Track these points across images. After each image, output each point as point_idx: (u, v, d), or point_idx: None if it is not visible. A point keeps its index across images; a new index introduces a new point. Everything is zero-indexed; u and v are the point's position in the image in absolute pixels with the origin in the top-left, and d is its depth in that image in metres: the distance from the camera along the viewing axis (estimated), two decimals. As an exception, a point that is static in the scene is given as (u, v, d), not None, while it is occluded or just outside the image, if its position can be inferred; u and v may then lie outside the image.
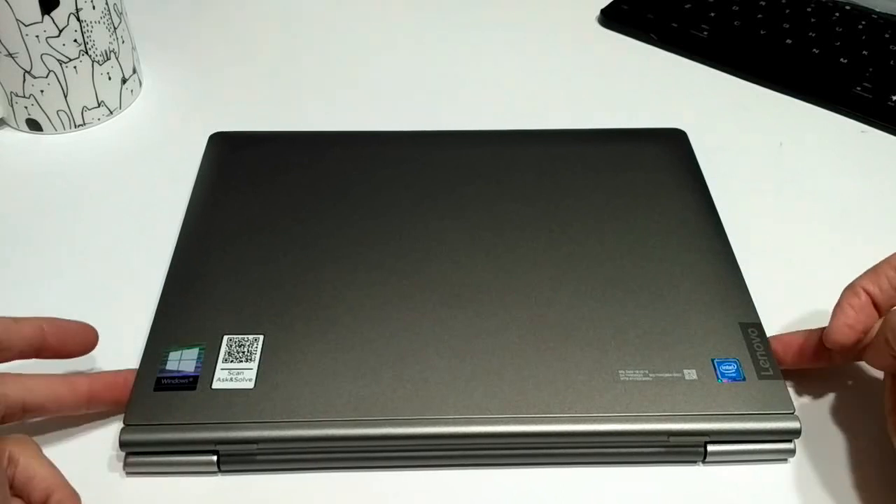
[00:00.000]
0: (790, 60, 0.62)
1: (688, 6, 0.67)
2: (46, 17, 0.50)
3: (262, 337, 0.40)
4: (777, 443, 0.38)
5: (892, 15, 0.67)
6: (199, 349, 0.39)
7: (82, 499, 0.35)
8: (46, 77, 0.53)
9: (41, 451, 0.35)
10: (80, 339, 0.38)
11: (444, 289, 0.42)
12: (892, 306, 0.38)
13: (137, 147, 0.55)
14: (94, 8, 0.52)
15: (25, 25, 0.50)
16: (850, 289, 0.38)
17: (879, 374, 0.40)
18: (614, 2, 0.68)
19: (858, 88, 0.59)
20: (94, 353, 0.40)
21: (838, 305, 0.38)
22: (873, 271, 0.38)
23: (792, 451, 0.38)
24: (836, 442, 0.39)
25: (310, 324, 0.41)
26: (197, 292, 0.42)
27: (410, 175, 0.49)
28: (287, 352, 0.39)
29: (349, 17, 0.68)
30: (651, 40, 0.65)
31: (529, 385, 0.38)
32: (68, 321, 0.38)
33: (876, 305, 0.38)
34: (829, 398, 0.41)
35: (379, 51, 0.65)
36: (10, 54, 0.51)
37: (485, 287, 0.42)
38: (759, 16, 0.66)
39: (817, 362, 0.40)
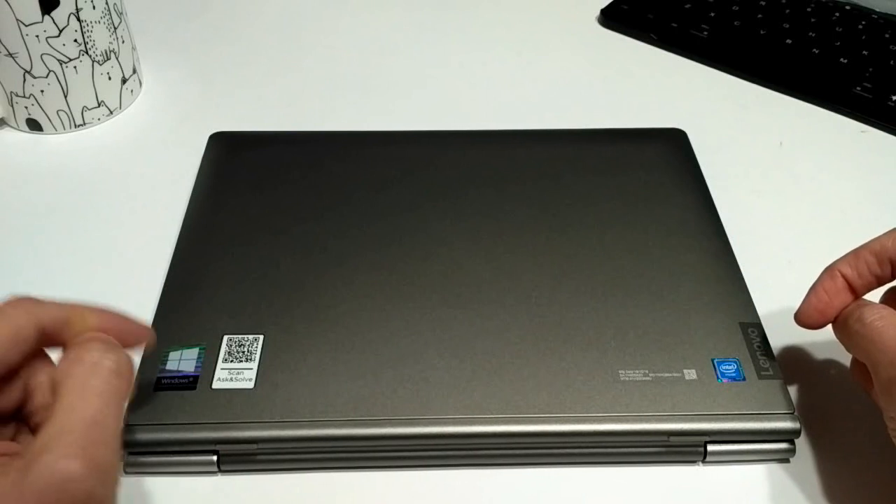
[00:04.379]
0: (790, 60, 0.62)
1: (688, 6, 0.67)
2: (46, 17, 0.50)
3: (262, 337, 0.40)
4: (777, 443, 0.38)
5: (892, 15, 0.67)
6: (200, 349, 0.39)
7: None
8: (46, 77, 0.53)
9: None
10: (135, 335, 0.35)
11: (444, 289, 0.42)
12: (869, 291, 0.38)
13: (137, 147, 0.55)
14: (94, 8, 0.52)
15: (25, 25, 0.50)
16: (828, 271, 0.38)
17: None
18: (614, 2, 0.68)
19: (858, 88, 0.59)
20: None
21: (814, 287, 0.38)
22: (854, 255, 0.38)
23: (792, 451, 0.38)
24: (836, 442, 0.39)
25: (310, 324, 0.41)
26: (197, 292, 0.42)
27: (410, 175, 0.49)
28: (287, 352, 0.39)
29: (349, 18, 0.68)
30: (651, 40, 0.65)
31: (529, 385, 0.38)
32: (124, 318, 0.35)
33: (853, 289, 0.38)
34: (829, 398, 0.41)
35: (378, 51, 0.65)
36: (10, 54, 0.51)
37: (485, 287, 0.42)
38: (759, 16, 0.66)
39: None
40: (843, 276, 0.38)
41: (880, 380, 0.34)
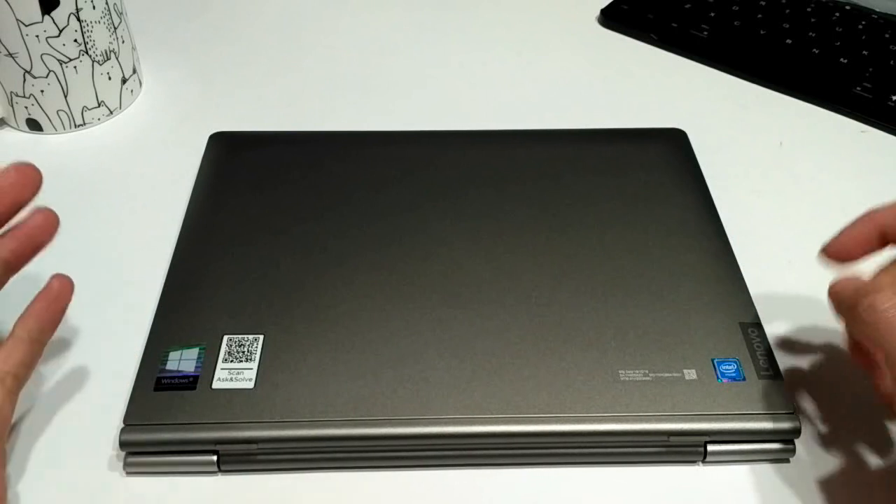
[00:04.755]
0: (790, 60, 0.62)
1: (688, 6, 0.67)
2: (46, 17, 0.50)
3: (262, 337, 0.40)
4: (777, 442, 0.38)
5: (892, 15, 0.67)
6: (200, 349, 0.39)
7: (83, 499, 0.34)
8: (46, 77, 0.53)
9: None
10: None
11: (444, 289, 0.42)
12: None
13: (137, 147, 0.55)
14: (94, 8, 0.52)
15: (25, 25, 0.50)
16: (867, 215, 0.38)
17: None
18: (614, 2, 0.68)
19: (858, 88, 0.59)
20: (94, 354, 0.40)
21: (849, 226, 0.38)
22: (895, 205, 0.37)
23: (792, 451, 0.38)
24: (836, 442, 0.39)
25: (310, 324, 0.41)
26: (197, 292, 0.42)
27: (410, 175, 0.49)
28: (287, 352, 0.39)
29: (349, 17, 0.68)
30: (651, 40, 0.65)
31: (529, 385, 0.38)
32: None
33: (885, 239, 0.37)
34: (829, 398, 0.41)
35: (379, 51, 0.65)
36: (10, 54, 0.51)
37: (485, 287, 0.42)
38: (759, 16, 0.66)
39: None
40: (880, 224, 0.37)
41: (894, 369, 0.33)
